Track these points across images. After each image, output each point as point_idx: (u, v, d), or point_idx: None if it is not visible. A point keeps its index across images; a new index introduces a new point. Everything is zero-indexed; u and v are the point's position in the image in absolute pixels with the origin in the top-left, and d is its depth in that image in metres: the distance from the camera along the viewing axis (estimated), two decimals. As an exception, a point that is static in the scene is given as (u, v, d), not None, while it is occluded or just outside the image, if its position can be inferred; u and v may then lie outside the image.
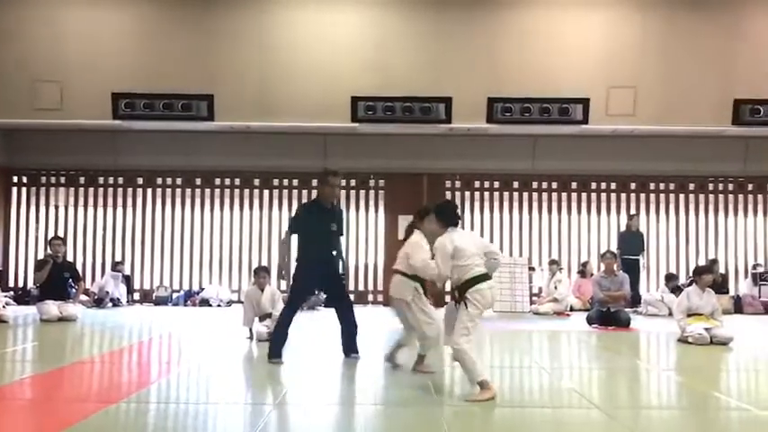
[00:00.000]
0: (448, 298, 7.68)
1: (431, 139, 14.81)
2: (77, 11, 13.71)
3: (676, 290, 13.66)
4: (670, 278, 14.26)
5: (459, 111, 13.68)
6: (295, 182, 15.52)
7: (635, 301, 13.72)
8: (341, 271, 8.05)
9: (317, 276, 7.69)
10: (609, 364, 8.26)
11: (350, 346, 7.78)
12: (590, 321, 11.51)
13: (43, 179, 15.63)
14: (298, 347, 8.27)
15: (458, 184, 15.61)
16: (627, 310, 11.95)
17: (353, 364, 7.51)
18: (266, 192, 15.60)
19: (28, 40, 13.61)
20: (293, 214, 8.26)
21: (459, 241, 5.94)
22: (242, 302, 10.32)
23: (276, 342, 7.48)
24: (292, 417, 5.35)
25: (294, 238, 7.74)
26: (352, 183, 15.51)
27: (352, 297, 15.68)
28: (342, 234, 7.97)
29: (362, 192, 15.54)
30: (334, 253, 7.79)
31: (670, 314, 11.53)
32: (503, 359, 8.70)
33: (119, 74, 13.60)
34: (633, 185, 15.63)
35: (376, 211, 15.53)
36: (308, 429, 5.06)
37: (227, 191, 15.58)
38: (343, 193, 15.52)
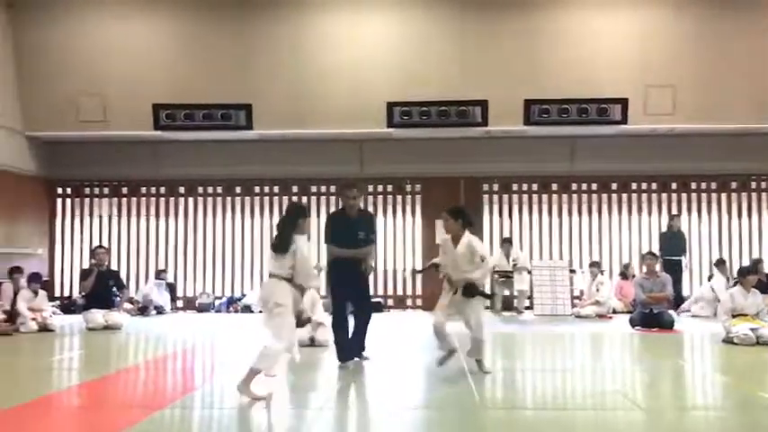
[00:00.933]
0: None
1: (467, 142, 14.78)
2: (118, 25, 13.97)
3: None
4: (719, 263, 14.25)
5: (495, 113, 13.65)
6: (332, 188, 15.57)
7: (678, 302, 13.53)
8: (367, 273, 8.03)
9: (346, 284, 7.78)
10: (652, 366, 8.16)
11: (357, 350, 7.90)
12: (633, 323, 11.39)
13: (87, 190, 15.93)
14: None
15: (495, 187, 15.55)
16: (669, 311, 11.80)
17: (396, 367, 7.54)
18: (304, 198, 15.68)
19: (71, 55, 13.92)
20: (324, 225, 8.25)
21: None
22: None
23: (339, 347, 7.71)
24: (335, 420, 5.39)
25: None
26: (389, 188, 15.54)
27: (390, 302, 15.79)
28: (372, 241, 7.96)
29: (399, 197, 15.57)
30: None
31: (715, 315, 11.37)
32: (545, 362, 8.66)
33: (159, 86, 13.84)
34: (674, 185, 15.41)
35: (413, 215, 15.53)
36: (350, 433, 5.10)
37: (267, 198, 15.73)
38: (379, 198, 15.58)
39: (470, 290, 6.94)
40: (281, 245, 6.18)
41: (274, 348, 5.94)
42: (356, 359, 7.80)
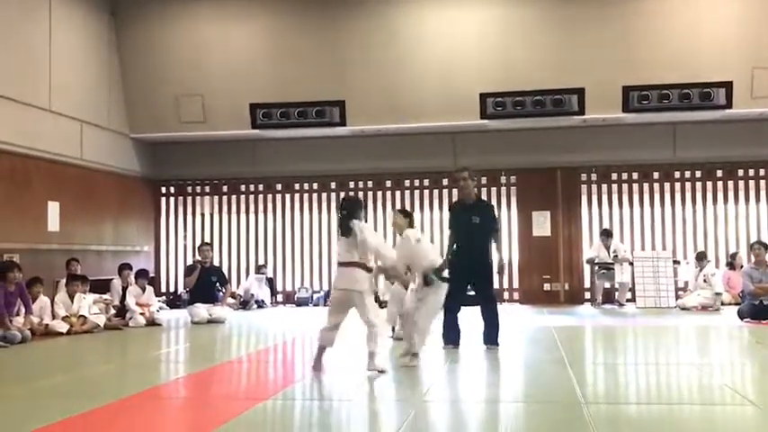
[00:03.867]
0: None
1: (563, 131, 14.50)
2: (214, 29, 14.34)
3: None
4: None
5: (592, 101, 13.32)
6: (426, 182, 15.58)
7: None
8: (497, 264, 8.43)
9: (464, 270, 8.18)
10: (763, 360, 7.81)
11: (486, 339, 8.28)
12: (741, 315, 10.96)
13: (189, 189, 16.43)
14: (439, 345, 8.34)
15: (594, 176, 15.18)
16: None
17: (496, 361, 7.49)
18: (398, 192, 15.73)
19: (171, 59, 14.39)
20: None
21: None
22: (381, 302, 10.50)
23: (443, 330, 8.28)
24: (436, 413, 5.39)
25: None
26: (483, 180, 15.37)
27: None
28: (492, 228, 8.48)
29: (494, 188, 15.40)
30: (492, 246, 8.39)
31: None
32: (648, 356, 8.42)
33: (256, 85, 14.15)
34: (784, 171, 14.70)
35: (508, 207, 15.34)
36: (452, 426, 5.08)
37: (361, 193, 15.78)
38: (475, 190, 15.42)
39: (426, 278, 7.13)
40: (343, 229, 6.82)
41: (377, 327, 6.71)
42: (453, 346, 8.22)
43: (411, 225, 7.52)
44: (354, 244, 6.72)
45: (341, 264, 6.91)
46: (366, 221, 7.14)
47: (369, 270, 6.82)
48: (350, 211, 6.91)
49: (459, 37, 13.68)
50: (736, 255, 14.14)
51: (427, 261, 7.18)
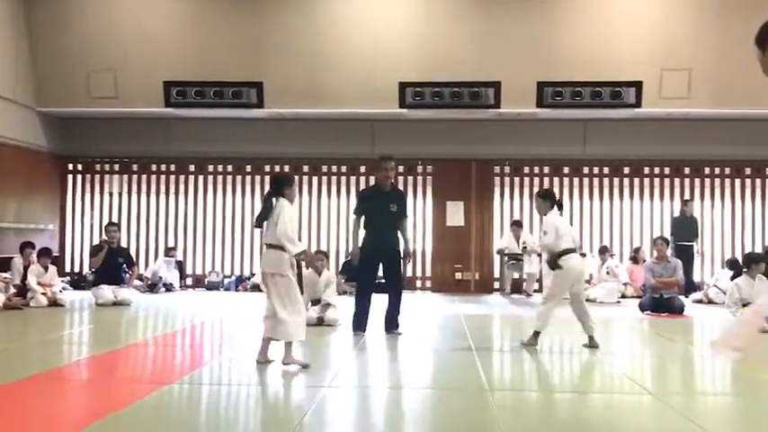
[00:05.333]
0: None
1: (479, 124, 14.70)
2: (130, 2, 13.91)
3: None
4: (733, 265, 13.77)
5: (508, 95, 13.54)
6: (344, 168, 15.56)
7: (689, 288, 13.43)
8: (402, 251, 8.56)
9: (377, 256, 8.36)
10: (662, 351, 8.14)
11: (389, 324, 8.44)
12: (642, 308, 11.35)
13: (98, 167, 15.92)
14: (349, 331, 8.35)
15: (507, 169, 15.47)
16: (680, 296, 11.74)
17: (405, 347, 7.55)
18: (315, 178, 15.67)
19: (83, 31, 13.87)
20: (357, 199, 9.03)
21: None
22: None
23: (356, 316, 8.37)
24: (343, 399, 5.39)
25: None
26: (400, 169, 15.44)
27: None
28: (405, 216, 8.62)
29: (410, 178, 15.50)
30: (399, 234, 8.49)
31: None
32: (552, 345, 8.64)
33: (170, 62, 13.80)
34: (687, 170, 15.28)
35: (424, 197, 15.47)
36: (358, 412, 5.10)
37: (277, 178, 15.64)
38: (391, 179, 15.49)
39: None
40: (259, 217, 6.46)
41: (286, 317, 6.22)
42: (362, 333, 8.27)
43: (552, 207, 7.94)
44: (274, 223, 6.30)
45: (265, 244, 6.51)
46: (294, 197, 6.64)
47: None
48: (275, 187, 6.46)
49: (381, 25, 13.68)
50: (639, 249, 14.67)
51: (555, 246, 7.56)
